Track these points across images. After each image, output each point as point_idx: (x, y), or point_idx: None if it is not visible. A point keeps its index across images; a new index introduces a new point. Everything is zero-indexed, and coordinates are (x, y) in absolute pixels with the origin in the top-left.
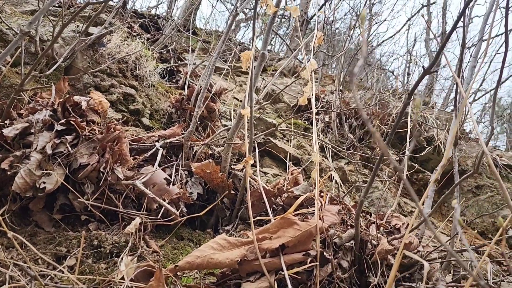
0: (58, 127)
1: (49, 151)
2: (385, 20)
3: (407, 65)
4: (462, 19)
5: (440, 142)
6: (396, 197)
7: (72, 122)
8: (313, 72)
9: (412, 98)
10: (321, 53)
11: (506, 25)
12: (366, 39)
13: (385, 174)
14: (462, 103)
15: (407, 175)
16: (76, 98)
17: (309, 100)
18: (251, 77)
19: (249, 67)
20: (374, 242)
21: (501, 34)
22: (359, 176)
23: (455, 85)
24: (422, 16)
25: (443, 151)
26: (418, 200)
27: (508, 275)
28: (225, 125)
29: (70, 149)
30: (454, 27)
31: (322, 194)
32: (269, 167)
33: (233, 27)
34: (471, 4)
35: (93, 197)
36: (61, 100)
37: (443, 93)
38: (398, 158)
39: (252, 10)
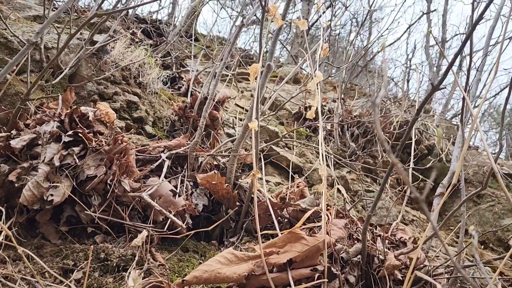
0: (65, 139)
1: (57, 163)
2: (387, 29)
3: (407, 71)
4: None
5: (441, 149)
6: (402, 208)
7: (79, 133)
8: (319, 84)
9: (420, 114)
10: (332, 65)
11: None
12: (385, 67)
13: (387, 184)
14: (473, 122)
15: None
16: (83, 109)
17: (320, 112)
18: (258, 89)
19: (256, 79)
20: (381, 257)
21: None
22: (362, 186)
23: (461, 99)
24: (430, 32)
25: (444, 160)
26: (430, 215)
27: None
28: (227, 133)
29: (77, 160)
30: (460, 50)
31: (328, 207)
32: (271, 175)
33: (238, 38)
34: (477, 26)
35: (99, 209)
36: (68, 111)
37: (443, 100)
38: (401, 166)
39: (256, 16)
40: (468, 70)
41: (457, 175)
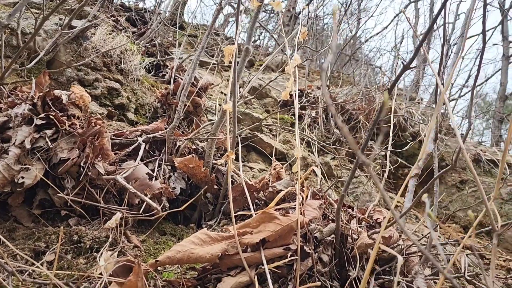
0: (37, 122)
1: (28, 146)
2: (371, 16)
3: (395, 61)
4: (442, 14)
5: (424, 136)
6: (380, 192)
7: (52, 116)
8: (297, 67)
9: (391, 94)
10: (310, 48)
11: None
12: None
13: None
14: (440, 96)
15: (390, 169)
16: (57, 92)
17: (297, 95)
18: (234, 71)
19: (232, 61)
20: (354, 236)
21: (479, 34)
22: (344, 171)
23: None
24: (407, 18)
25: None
26: (380, 185)
27: (487, 268)
28: (211, 120)
29: (49, 143)
30: (433, 22)
31: (303, 189)
32: (255, 162)
33: (221, 21)
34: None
35: (73, 192)
36: (41, 94)
37: (431, 89)
38: (384, 153)
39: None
40: (442, 47)
41: (423, 150)
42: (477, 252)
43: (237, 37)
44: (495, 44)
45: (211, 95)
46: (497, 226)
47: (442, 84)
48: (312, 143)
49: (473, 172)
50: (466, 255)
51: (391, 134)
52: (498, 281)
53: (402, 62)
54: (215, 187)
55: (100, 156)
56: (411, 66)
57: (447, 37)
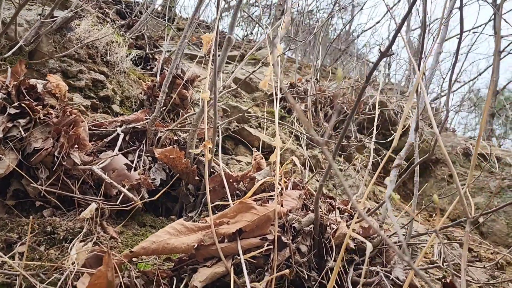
0: (11, 111)
1: (0, 135)
2: (362, 8)
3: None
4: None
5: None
6: (369, 184)
7: (25, 105)
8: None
9: (369, 81)
10: (299, 42)
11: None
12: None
13: (359, 162)
14: (416, 80)
15: (379, 163)
16: (32, 81)
17: (279, 83)
18: (215, 61)
19: (210, 50)
20: (334, 226)
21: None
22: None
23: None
24: (386, 6)
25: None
26: (330, 157)
27: (473, 260)
28: None
29: (23, 133)
30: (411, 6)
31: (283, 179)
32: (243, 155)
33: (217, 16)
34: None
35: (47, 182)
36: (15, 83)
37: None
38: (374, 147)
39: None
40: (423, 30)
41: (397, 137)
42: (455, 242)
43: (217, 23)
44: (490, 35)
45: (199, 88)
46: (470, 214)
47: (419, 68)
48: (301, 137)
49: (448, 160)
50: (443, 244)
51: (375, 124)
52: (484, 273)
53: (379, 49)
54: (196, 178)
55: (76, 145)
56: (388, 53)
57: (428, 24)
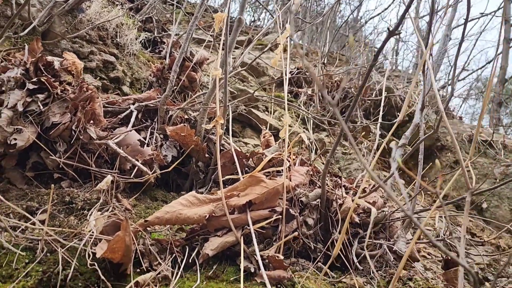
0: (30, 86)
1: (20, 109)
2: None
3: (396, 43)
4: None
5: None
6: (373, 160)
7: (43, 80)
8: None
9: (377, 59)
10: (308, 30)
11: None
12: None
13: (364, 146)
14: (422, 60)
15: (385, 148)
16: (49, 58)
17: (288, 64)
18: (226, 40)
19: (222, 29)
20: (340, 201)
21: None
22: (338, 148)
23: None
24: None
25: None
26: (342, 121)
27: (476, 244)
28: None
29: (41, 107)
30: None
31: (290, 156)
32: (250, 138)
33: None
34: None
35: (65, 155)
36: (33, 59)
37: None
38: (380, 132)
39: None
40: (431, 16)
41: (403, 111)
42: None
43: (228, 2)
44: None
45: (207, 72)
46: (471, 184)
47: (425, 46)
48: (307, 120)
49: (451, 132)
50: (446, 217)
51: (382, 105)
52: (486, 256)
53: (388, 28)
54: (206, 155)
55: (92, 121)
56: (396, 32)
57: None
